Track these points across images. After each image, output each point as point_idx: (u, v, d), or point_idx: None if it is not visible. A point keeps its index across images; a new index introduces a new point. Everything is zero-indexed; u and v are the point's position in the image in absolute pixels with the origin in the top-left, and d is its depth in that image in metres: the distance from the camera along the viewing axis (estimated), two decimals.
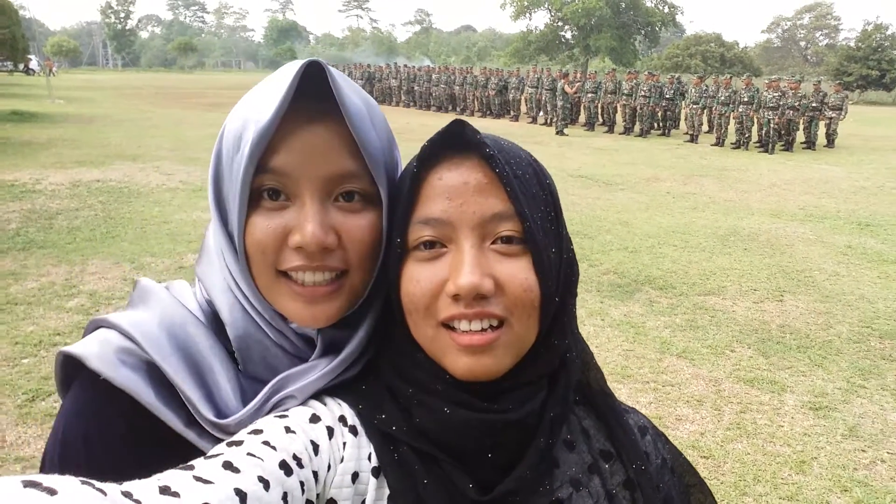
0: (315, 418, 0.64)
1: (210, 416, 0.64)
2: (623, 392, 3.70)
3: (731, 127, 16.12)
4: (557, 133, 17.63)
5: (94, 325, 0.69)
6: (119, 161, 10.25)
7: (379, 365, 0.71)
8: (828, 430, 3.41)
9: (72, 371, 0.66)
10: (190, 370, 0.66)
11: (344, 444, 0.63)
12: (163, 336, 0.66)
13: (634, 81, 18.19)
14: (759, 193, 9.95)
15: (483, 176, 0.63)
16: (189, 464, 0.53)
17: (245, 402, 0.66)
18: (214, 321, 0.70)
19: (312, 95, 0.64)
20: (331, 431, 0.63)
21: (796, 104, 15.27)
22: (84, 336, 0.69)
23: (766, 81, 16.23)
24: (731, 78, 17.09)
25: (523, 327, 0.63)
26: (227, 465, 0.52)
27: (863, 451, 3.25)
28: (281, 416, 0.63)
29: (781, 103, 15.14)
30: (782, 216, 8.44)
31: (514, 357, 0.63)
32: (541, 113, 20.75)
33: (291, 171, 0.64)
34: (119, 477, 0.51)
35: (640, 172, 11.39)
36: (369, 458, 0.64)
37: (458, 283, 0.59)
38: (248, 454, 0.55)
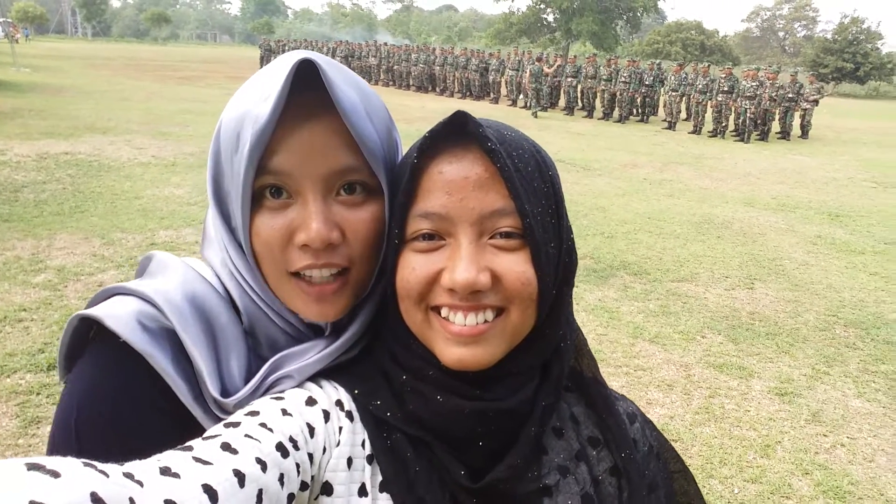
0: (311, 401, 0.64)
1: (214, 392, 0.64)
2: None
3: (709, 115, 16.26)
4: (533, 115, 17.69)
5: (108, 294, 0.68)
6: (89, 133, 9.97)
7: (375, 349, 0.71)
8: (792, 416, 3.51)
9: (82, 339, 0.66)
10: (207, 343, 0.66)
11: (340, 428, 0.64)
12: (185, 305, 0.66)
13: (614, 67, 18.21)
14: (733, 182, 10.09)
15: (484, 170, 0.61)
16: (188, 444, 0.53)
17: (248, 382, 0.66)
18: (230, 299, 0.70)
19: (308, 90, 0.63)
20: (327, 415, 0.63)
21: (773, 94, 15.45)
22: (91, 305, 0.67)
23: (744, 71, 16.37)
24: (709, 66, 17.19)
25: (520, 317, 0.63)
26: (226, 447, 0.53)
27: (824, 435, 3.35)
28: (277, 398, 0.63)
29: (759, 93, 15.30)
30: (755, 205, 8.57)
31: (506, 347, 0.63)
32: (521, 96, 20.69)
33: (292, 169, 0.63)
34: (144, 440, 0.55)
35: (618, 158, 11.45)
36: (363, 445, 0.64)
37: (454, 279, 0.59)
38: (246, 435, 0.55)
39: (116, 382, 0.62)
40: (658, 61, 19.88)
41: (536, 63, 18.25)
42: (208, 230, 0.73)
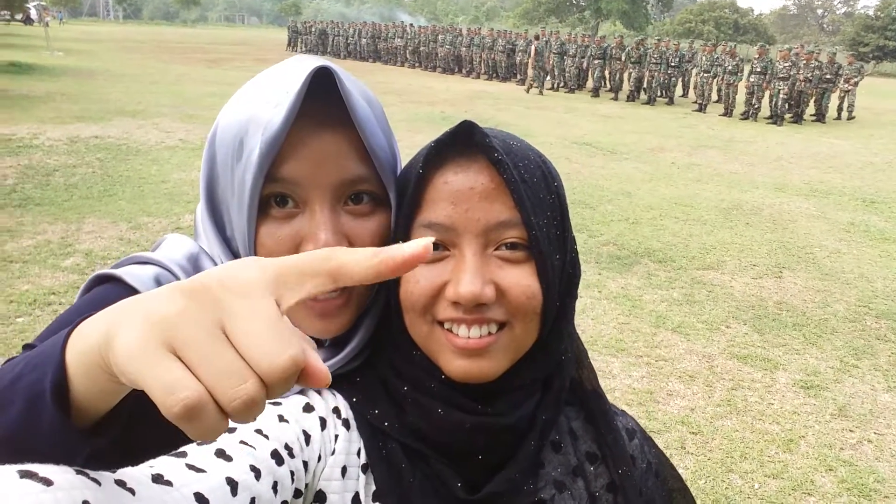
0: (308, 408, 0.63)
1: None
2: (616, 366, 3.71)
3: (741, 97, 15.82)
4: (527, 91, 17.81)
5: (122, 263, 0.69)
6: (118, 117, 10.14)
7: (376, 359, 0.71)
8: (817, 409, 3.43)
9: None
10: None
11: (336, 436, 0.63)
12: (193, 273, 0.66)
13: (643, 49, 17.80)
14: (764, 166, 9.83)
15: (490, 181, 0.61)
16: (181, 450, 0.53)
17: None
18: None
19: (319, 98, 0.62)
20: (323, 422, 0.63)
21: (809, 75, 14.93)
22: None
23: (780, 51, 15.81)
24: (735, 46, 16.65)
25: (523, 331, 0.62)
26: (220, 453, 0.53)
27: (850, 431, 3.27)
28: (275, 404, 0.62)
29: (792, 74, 14.80)
30: (787, 190, 8.35)
31: (510, 360, 0.63)
32: (547, 77, 20.41)
33: (301, 178, 0.62)
34: None
35: (645, 142, 11.24)
36: (358, 454, 0.64)
37: (459, 292, 0.59)
38: (241, 442, 0.55)
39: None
40: (686, 41, 19.35)
41: (535, 41, 18.25)
42: (198, 225, 0.73)
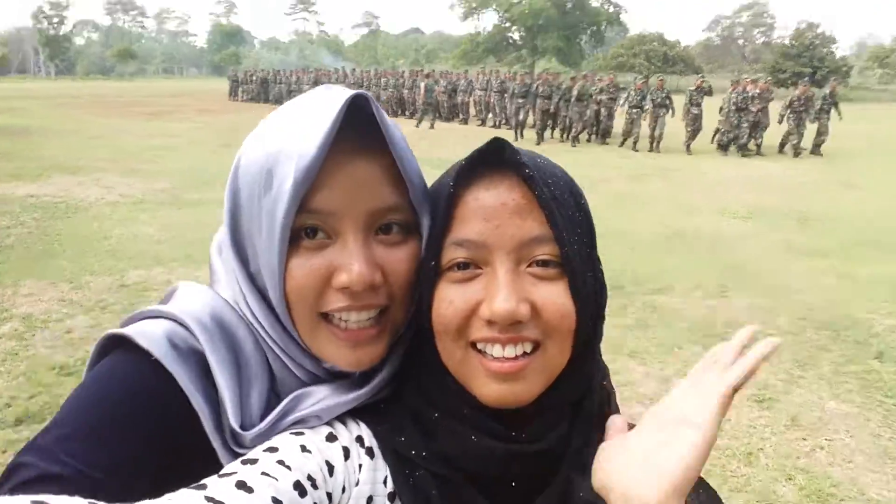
0: (331, 437, 0.62)
1: (234, 423, 0.62)
2: None
3: (678, 127, 15.60)
4: (416, 126, 18.53)
5: (137, 317, 0.67)
6: (56, 174, 9.83)
7: (403, 384, 0.69)
8: (772, 421, 3.54)
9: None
10: (233, 371, 0.64)
11: (360, 466, 0.62)
12: (214, 328, 0.64)
13: (581, 84, 17.14)
14: (703, 192, 10.26)
15: (521, 197, 0.60)
16: (202, 482, 0.52)
17: (265, 419, 0.64)
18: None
19: (349, 126, 0.61)
20: (347, 452, 0.62)
21: (739, 103, 14.96)
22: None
23: (732, 82, 15.84)
24: (662, 80, 16.17)
25: (557, 352, 0.61)
26: (241, 485, 0.52)
27: (804, 439, 3.38)
28: (297, 434, 0.61)
29: (733, 104, 14.87)
30: (725, 214, 8.72)
31: (544, 382, 0.62)
32: (490, 115, 20.91)
33: (335, 208, 0.61)
34: (145, 448, 0.55)
35: (587, 173, 11.60)
36: (385, 482, 0.62)
37: (494, 309, 0.58)
38: (263, 473, 0.54)
39: (136, 382, 0.60)
40: (599, 75, 19.16)
41: (427, 79, 19.48)
42: (217, 270, 0.71)
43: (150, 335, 0.61)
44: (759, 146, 15.25)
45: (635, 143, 15.41)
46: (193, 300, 0.67)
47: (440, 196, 0.64)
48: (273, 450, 0.58)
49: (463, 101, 21.78)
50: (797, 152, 14.66)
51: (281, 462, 0.56)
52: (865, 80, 59.16)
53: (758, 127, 15.03)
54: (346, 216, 0.62)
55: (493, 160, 0.62)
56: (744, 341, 0.62)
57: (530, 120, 17.57)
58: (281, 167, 0.60)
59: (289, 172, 0.59)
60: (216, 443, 0.61)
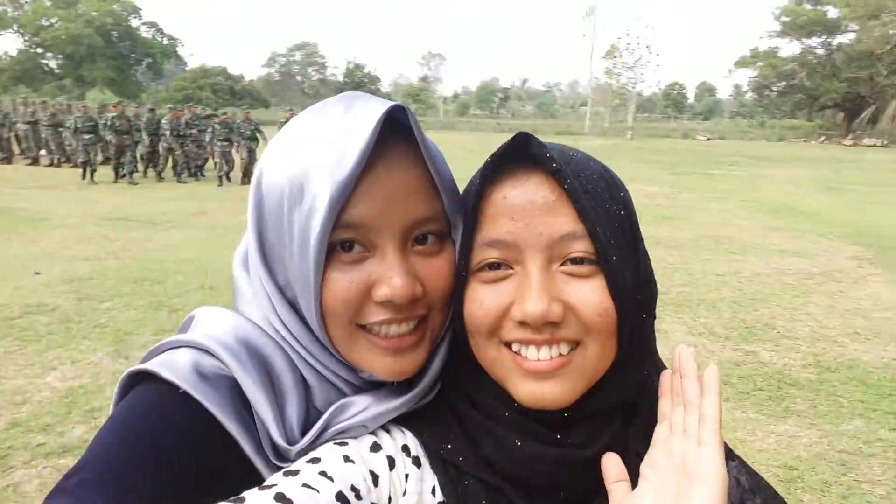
0: (376, 447, 0.58)
1: (279, 439, 0.60)
2: None
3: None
4: None
5: (158, 350, 0.65)
6: None
7: (446, 387, 0.67)
8: None
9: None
10: (266, 388, 0.62)
11: (406, 475, 0.58)
12: (240, 349, 0.63)
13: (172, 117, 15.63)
14: None
15: (550, 193, 0.58)
16: (240, 496, 0.51)
17: (306, 432, 0.63)
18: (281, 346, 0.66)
19: (384, 137, 0.59)
20: (392, 462, 0.58)
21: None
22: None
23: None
24: (247, 112, 16.07)
25: (598, 351, 0.59)
26: (280, 497, 0.50)
27: None
28: (341, 444, 0.59)
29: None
30: None
31: (584, 384, 0.59)
32: (42, 152, 17.75)
33: (372, 222, 0.60)
34: (179, 477, 0.54)
35: (184, 207, 11.01)
36: (433, 492, 0.58)
37: (525, 310, 0.55)
38: (304, 485, 0.52)
39: (160, 417, 0.57)
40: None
41: None
42: (241, 286, 0.69)
43: (174, 366, 0.60)
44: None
45: (228, 175, 15.06)
46: (215, 324, 0.65)
47: (469, 195, 0.63)
48: (315, 461, 0.56)
49: (3, 136, 17.85)
50: None
51: (323, 473, 0.54)
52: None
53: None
54: (384, 229, 0.61)
55: (519, 156, 0.60)
56: (695, 369, 0.60)
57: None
58: (314, 182, 0.59)
59: (323, 188, 0.58)
60: (259, 463, 0.60)
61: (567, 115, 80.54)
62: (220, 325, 0.65)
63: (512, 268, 0.59)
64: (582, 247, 0.58)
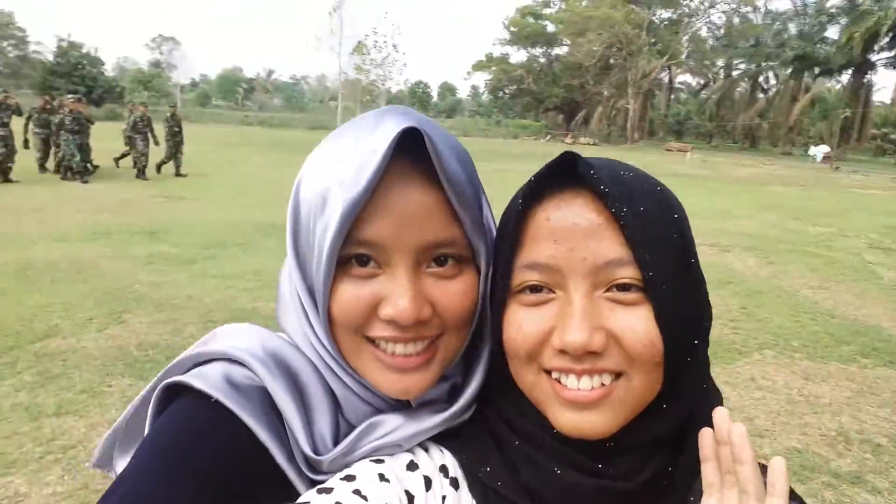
0: (413, 466, 0.56)
1: (307, 448, 0.61)
2: None
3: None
4: None
5: (185, 365, 0.66)
6: None
7: (485, 409, 0.61)
8: None
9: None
10: (295, 398, 0.62)
11: (443, 497, 0.56)
12: (269, 359, 0.64)
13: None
14: (31, 219, 9.14)
15: (596, 216, 0.56)
16: None
17: (338, 444, 0.63)
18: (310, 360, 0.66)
19: (403, 156, 0.58)
20: (428, 482, 0.56)
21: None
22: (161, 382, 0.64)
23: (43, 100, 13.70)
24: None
25: (643, 382, 0.56)
26: None
27: None
28: (377, 461, 0.59)
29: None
30: (68, 239, 8.00)
31: (627, 414, 0.57)
32: None
33: (384, 241, 0.59)
34: (215, 487, 0.54)
35: None
36: None
37: (566, 340, 0.54)
38: (337, 503, 0.51)
39: (197, 429, 0.58)
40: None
41: None
42: (282, 287, 0.69)
43: (207, 377, 0.61)
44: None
45: None
46: (241, 338, 0.67)
47: (510, 214, 0.59)
48: (350, 478, 0.56)
49: None
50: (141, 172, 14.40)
51: (357, 492, 0.53)
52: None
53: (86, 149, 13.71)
54: (396, 249, 0.60)
55: (566, 175, 0.58)
56: (753, 456, 0.52)
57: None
58: (333, 196, 0.59)
59: (338, 204, 0.58)
60: (291, 473, 0.60)
61: (317, 110, 79.39)
62: (247, 339, 0.66)
63: (554, 292, 0.57)
64: (628, 273, 0.55)
